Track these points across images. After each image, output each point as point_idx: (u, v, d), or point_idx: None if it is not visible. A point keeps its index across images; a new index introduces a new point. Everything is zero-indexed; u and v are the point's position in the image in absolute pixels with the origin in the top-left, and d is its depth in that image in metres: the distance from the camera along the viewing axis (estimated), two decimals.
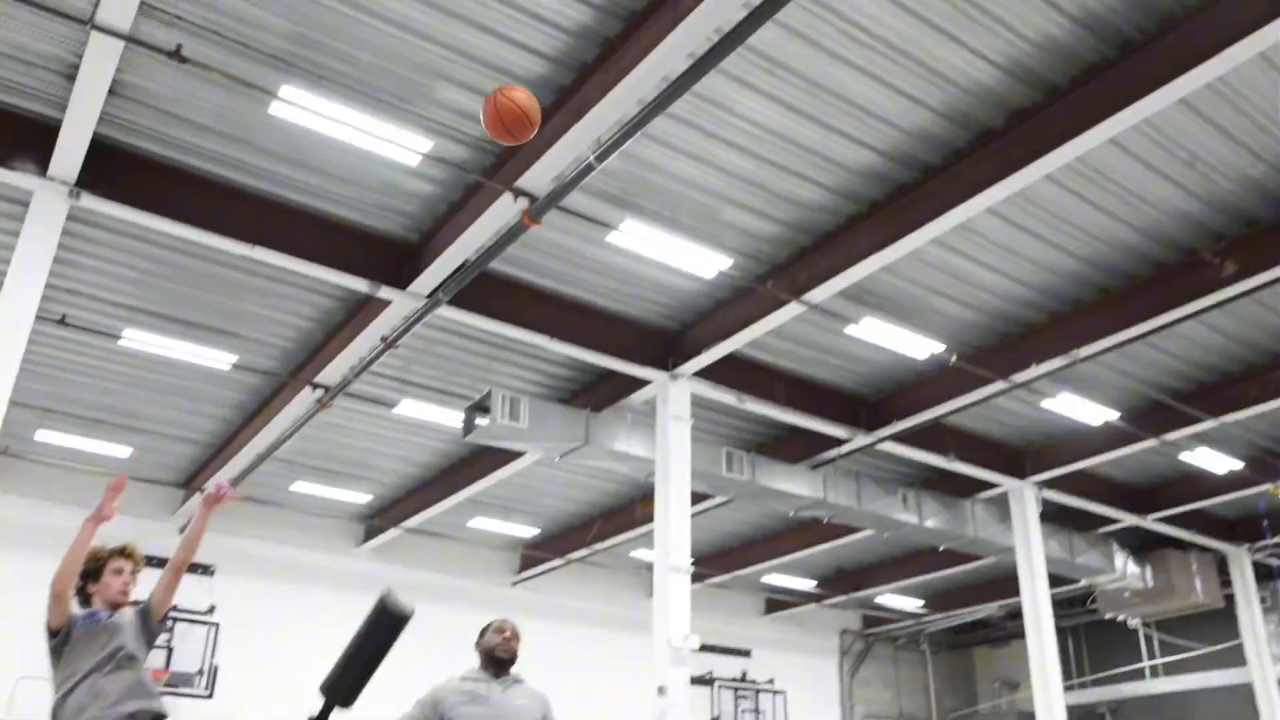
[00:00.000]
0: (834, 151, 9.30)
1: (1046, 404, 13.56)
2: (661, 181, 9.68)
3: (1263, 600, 19.99)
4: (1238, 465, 15.97)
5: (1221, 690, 21.37)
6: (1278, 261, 10.33)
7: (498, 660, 5.54)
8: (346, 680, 4.16)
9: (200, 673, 16.22)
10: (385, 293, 10.56)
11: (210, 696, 16.17)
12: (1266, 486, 16.54)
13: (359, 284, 10.48)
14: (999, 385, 12.55)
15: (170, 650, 16.01)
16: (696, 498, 14.50)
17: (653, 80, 7.93)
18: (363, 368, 11.94)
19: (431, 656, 19.45)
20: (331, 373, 12.27)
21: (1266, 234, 10.42)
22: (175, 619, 16.29)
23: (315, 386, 12.53)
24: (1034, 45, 8.21)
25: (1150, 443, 14.44)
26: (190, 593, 16.80)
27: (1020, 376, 12.35)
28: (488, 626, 5.71)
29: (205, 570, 17.06)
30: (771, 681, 22.79)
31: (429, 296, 10.64)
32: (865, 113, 8.85)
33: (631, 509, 17.75)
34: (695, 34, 7.50)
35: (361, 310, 11.41)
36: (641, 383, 12.43)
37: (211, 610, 16.72)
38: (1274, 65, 8.37)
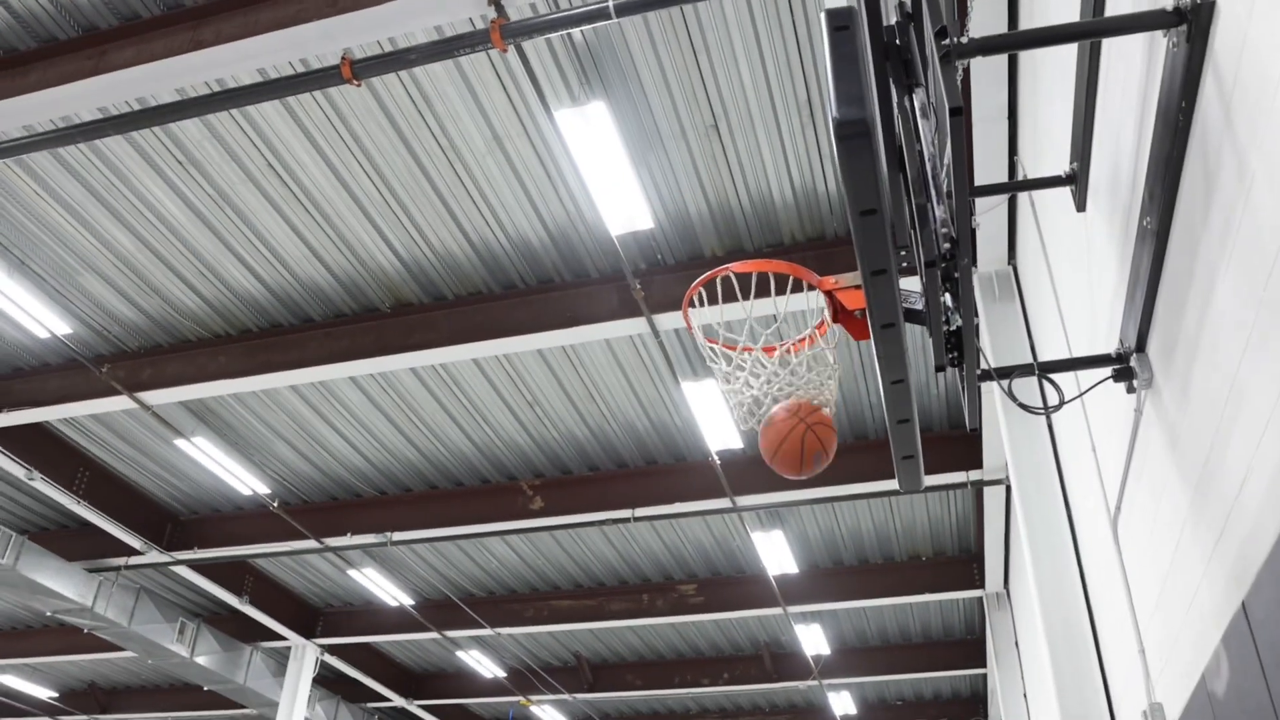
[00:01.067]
0: (222, 267, 9.01)
1: (353, 574, 13.80)
2: (21, 218, 8.59)
3: None
4: (502, 673, 17.47)
5: None
6: (574, 510, 11.82)
7: None
8: None
9: None
10: None
11: None
12: (519, 699, 18.26)
13: None
14: (312, 544, 12.55)
15: None
16: None
17: (50, 114, 7.16)
18: None
19: None
20: None
21: (573, 485, 11.93)
22: None
23: None
24: (435, 255, 8.82)
25: (434, 634, 15.27)
26: None
27: (334, 541, 12.48)
28: None
29: None
30: None
31: None
32: (265, 245, 8.75)
33: None
34: (114, 93, 6.97)
35: None
36: None
37: None
38: (613, 351, 9.85)
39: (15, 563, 12.09)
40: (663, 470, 11.60)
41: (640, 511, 11.60)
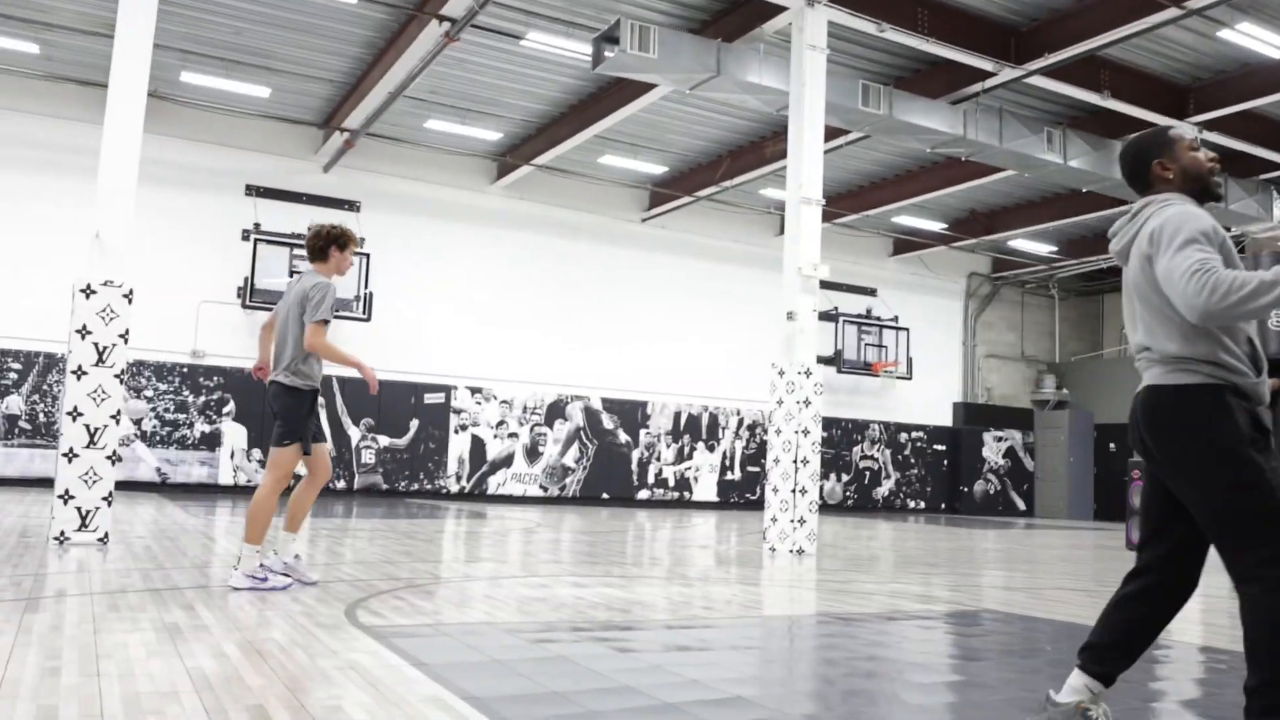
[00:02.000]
0: None
1: (1222, 34, 12.23)
2: None
3: None
4: None
5: None
6: None
7: (1210, 194, 3.12)
8: None
9: (357, 299, 17.41)
10: None
11: (368, 319, 17.45)
12: None
13: None
14: (1170, 13, 11.30)
15: None
16: (829, 134, 14.03)
17: None
18: None
19: (564, 291, 20.30)
20: (456, 4, 11.90)
21: None
22: None
23: (441, 19, 12.23)
24: None
25: None
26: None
27: (1194, 3, 11.06)
28: (1163, 137, 3.14)
29: (351, 206, 17.81)
30: (895, 319, 23.20)
31: None
32: None
33: (760, 147, 17.42)
34: None
35: None
36: (775, 10, 11.67)
37: (361, 243, 17.62)
38: None
39: (890, 110, 13.19)
40: None
41: None
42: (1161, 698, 3.86)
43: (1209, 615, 6.68)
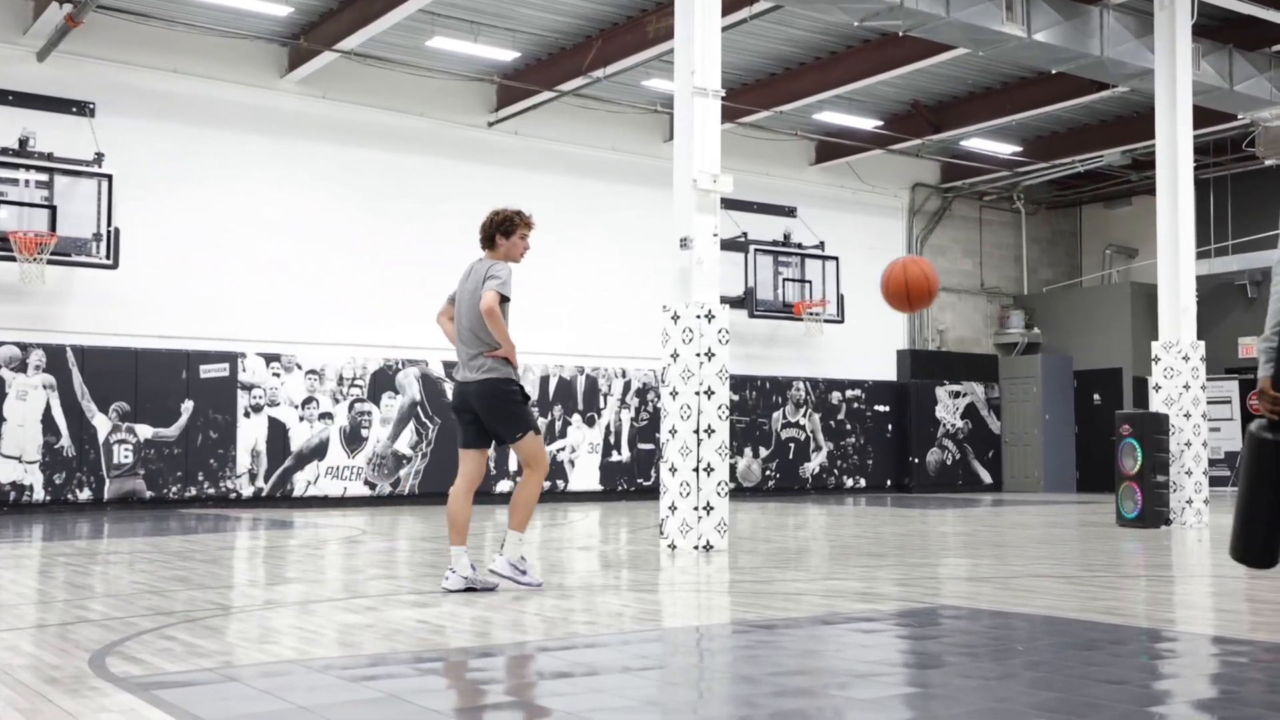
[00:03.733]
0: None
1: None
2: None
3: None
4: None
5: None
6: None
7: None
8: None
9: (97, 237, 16.72)
10: None
11: (114, 266, 16.81)
12: None
13: None
14: None
15: (53, 210, 16.37)
16: (729, 4, 14.04)
17: None
18: None
19: (387, 222, 20.01)
20: None
21: None
22: (54, 170, 16.53)
23: None
24: None
25: None
26: (66, 138, 16.89)
27: None
28: None
29: (82, 109, 17.07)
30: (821, 245, 23.53)
31: None
32: None
33: (641, 23, 17.37)
34: None
35: None
36: None
37: (99, 160, 16.93)
38: None
39: None
40: None
41: None
42: (1169, 699, 4.01)
43: (1221, 600, 7.00)
